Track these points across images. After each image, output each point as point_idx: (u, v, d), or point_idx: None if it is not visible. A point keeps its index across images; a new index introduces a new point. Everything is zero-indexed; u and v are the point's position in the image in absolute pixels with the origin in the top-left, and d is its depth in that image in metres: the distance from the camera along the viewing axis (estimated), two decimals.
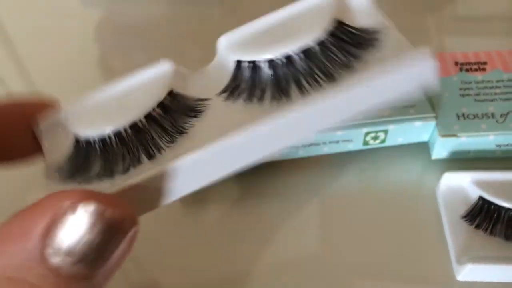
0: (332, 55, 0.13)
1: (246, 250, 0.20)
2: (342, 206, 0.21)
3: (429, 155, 0.22)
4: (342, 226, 0.20)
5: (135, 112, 0.13)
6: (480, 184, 0.20)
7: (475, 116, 0.21)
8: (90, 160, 0.13)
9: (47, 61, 0.34)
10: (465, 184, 0.20)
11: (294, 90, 0.13)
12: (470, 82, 0.22)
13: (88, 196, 0.10)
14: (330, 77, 0.13)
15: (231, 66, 0.14)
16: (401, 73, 0.12)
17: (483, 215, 0.19)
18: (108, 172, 0.13)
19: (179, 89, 0.14)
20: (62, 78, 0.32)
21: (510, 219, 0.19)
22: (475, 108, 0.21)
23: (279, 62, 0.13)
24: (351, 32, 0.14)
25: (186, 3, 0.38)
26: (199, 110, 0.14)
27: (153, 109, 0.13)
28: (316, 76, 0.13)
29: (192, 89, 0.14)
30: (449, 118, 0.21)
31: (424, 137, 0.21)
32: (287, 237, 0.20)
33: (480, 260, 0.18)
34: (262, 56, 0.13)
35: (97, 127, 0.13)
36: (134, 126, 0.13)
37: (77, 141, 0.14)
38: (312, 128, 0.13)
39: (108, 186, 0.12)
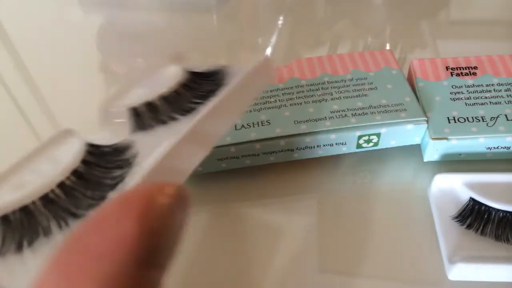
0: (196, 91, 0.16)
1: (243, 250, 0.20)
2: (337, 207, 0.21)
3: (422, 158, 0.22)
4: (336, 227, 0.21)
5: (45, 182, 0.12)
6: (470, 185, 0.20)
7: (466, 119, 0.21)
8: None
9: (50, 67, 0.34)
10: (456, 186, 0.20)
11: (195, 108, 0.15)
12: (461, 86, 0.22)
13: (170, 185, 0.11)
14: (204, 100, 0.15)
15: (125, 115, 0.15)
16: (250, 78, 0.16)
17: (473, 216, 0.20)
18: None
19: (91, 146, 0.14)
20: (65, 83, 0.33)
21: (500, 219, 0.19)
22: (465, 111, 0.22)
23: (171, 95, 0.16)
24: (201, 73, 0.17)
25: (185, 10, 0.38)
26: (127, 146, 0.14)
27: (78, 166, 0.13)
28: (193, 102, 0.16)
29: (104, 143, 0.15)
30: (440, 122, 0.21)
31: (416, 140, 0.22)
32: (284, 237, 0.21)
33: (471, 259, 0.18)
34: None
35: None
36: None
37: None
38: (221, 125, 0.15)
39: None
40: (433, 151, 0.21)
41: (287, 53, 0.35)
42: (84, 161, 0.13)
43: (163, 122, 0.15)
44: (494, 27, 0.35)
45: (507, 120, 0.21)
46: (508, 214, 0.19)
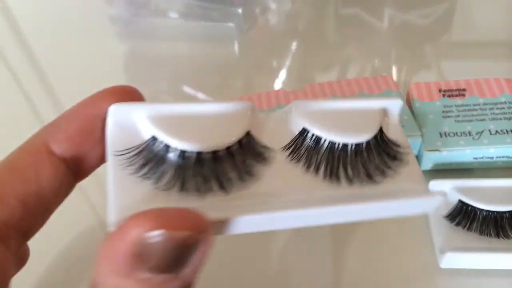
0: (372, 156, 0.17)
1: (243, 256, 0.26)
2: None
3: None
4: (343, 229, 0.26)
5: (221, 141, 0.15)
6: (459, 190, 0.25)
7: (455, 134, 0.27)
8: (163, 166, 0.15)
9: (80, 88, 0.40)
10: (447, 190, 0.26)
11: (342, 175, 0.16)
12: (451, 106, 0.28)
13: (159, 224, 0.12)
14: (369, 176, 0.17)
15: (297, 129, 0.17)
16: (411, 206, 0.16)
17: (462, 215, 0.25)
18: (182, 188, 0.15)
19: (253, 132, 0.16)
20: None
21: (484, 217, 0.25)
22: (455, 127, 0.27)
23: (337, 146, 0.17)
24: (387, 142, 0.18)
25: (207, 41, 0.45)
26: (266, 158, 0.16)
27: (233, 145, 0.16)
28: (359, 170, 0.17)
29: (261, 134, 0.17)
30: (433, 136, 0.27)
31: (414, 152, 0.28)
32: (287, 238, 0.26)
33: (458, 250, 0.24)
34: (327, 136, 0.17)
35: (181, 139, 0.15)
36: (214, 153, 0.15)
37: (153, 141, 0.15)
38: (340, 219, 0.16)
39: (184, 204, 0.15)
40: (427, 161, 0.27)
41: (300, 75, 0.41)
42: None
43: (307, 168, 0.17)
44: (494, 48, 0.41)
45: (490, 134, 0.27)
46: (490, 213, 0.25)
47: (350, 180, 0.16)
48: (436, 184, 0.26)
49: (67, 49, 0.45)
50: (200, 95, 0.40)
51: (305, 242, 0.26)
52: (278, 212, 0.15)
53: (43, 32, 0.47)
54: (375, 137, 0.17)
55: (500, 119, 0.27)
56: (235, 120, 0.16)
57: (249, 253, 0.26)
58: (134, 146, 0.15)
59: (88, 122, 0.16)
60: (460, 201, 0.25)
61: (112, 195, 0.15)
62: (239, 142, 0.16)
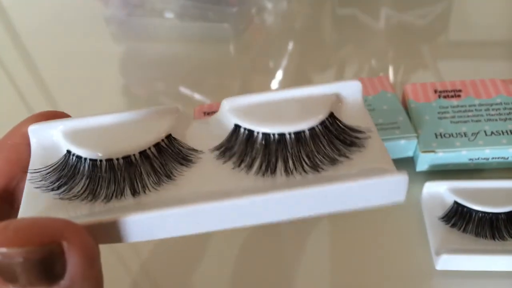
0: (320, 145, 0.16)
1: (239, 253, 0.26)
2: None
3: (414, 168, 0.28)
4: (339, 231, 0.26)
5: (132, 145, 0.16)
6: (455, 191, 0.25)
7: (451, 135, 0.27)
8: (76, 177, 0.15)
9: (76, 90, 0.40)
10: (443, 191, 0.26)
11: (280, 168, 0.15)
12: (447, 107, 0.28)
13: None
14: (314, 166, 0.15)
15: (229, 127, 0.16)
16: (376, 190, 0.15)
17: (457, 217, 0.25)
18: (91, 195, 0.15)
19: (177, 135, 0.16)
20: (90, 104, 0.39)
21: (480, 219, 0.25)
22: (450, 128, 0.27)
23: (273, 137, 0.16)
24: (341, 128, 0.16)
25: (203, 41, 0.45)
26: (190, 160, 0.16)
27: (149, 148, 0.16)
28: (302, 161, 0.15)
29: (189, 138, 0.17)
30: (429, 137, 0.27)
31: (410, 153, 0.28)
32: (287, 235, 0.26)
33: (454, 251, 0.24)
34: (259, 128, 0.16)
35: (91, 148, 0.15)
36: (126, 158, 0.15)
37: (67, 156, 0.16)
38: (283, 215, 0.14)
39: (85, 210, 0.15)
40: (423, 163, 0.27)
41: (297, 75, 0.41)
42: None
43: (238, 165, 0.16)
44: (491, 48, 0.41)
45: (486, 135, 0.27)
46: (486, 215, 0.25)
47: (288, 172, 0.15)
48: (432, 186, 0.26)
49: (62, 50, 0.45)
50: (197, 96, 0.40)
51: (301, 242, 0.26)
52: (168, 209, 0.14)
53: (38, 32, 0.47)
54: (323, 123, 0.16)
55: (496, 120, 0.27)
56: (152, 125, 0.16)
57: (242, 249, 0.26)
58: (51, 163, 0.16)
59: (14, 151, 0.16)
60: (456, 203, 0.25)
61: (21, 213, 0.15)
62: (157, 145, 0.16)
